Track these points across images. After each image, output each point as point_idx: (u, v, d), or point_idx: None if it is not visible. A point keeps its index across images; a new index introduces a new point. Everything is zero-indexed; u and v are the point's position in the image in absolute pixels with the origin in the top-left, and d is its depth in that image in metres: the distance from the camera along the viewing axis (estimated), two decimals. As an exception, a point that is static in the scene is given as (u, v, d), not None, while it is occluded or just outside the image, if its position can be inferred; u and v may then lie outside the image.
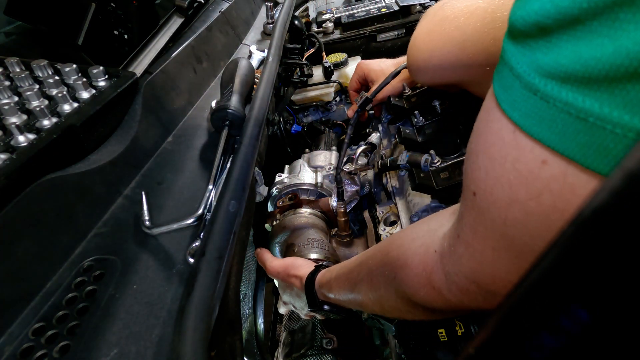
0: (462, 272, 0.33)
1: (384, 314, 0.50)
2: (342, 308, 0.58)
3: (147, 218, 0.46)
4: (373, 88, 0.79)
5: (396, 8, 1.05)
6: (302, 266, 0.63)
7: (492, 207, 0.28)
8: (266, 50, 0.76)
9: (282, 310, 0.75)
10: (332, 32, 1.10)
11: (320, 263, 0.64)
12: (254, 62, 0.85)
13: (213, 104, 0.63)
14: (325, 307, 0.58)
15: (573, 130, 0.21)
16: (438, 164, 0.61)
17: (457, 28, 0.54)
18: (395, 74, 0.75)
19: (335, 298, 0.55)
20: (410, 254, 0.40)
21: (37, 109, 0.46)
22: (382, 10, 1.06)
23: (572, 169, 0.22)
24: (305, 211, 0.79)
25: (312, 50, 1.03)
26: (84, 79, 0.52)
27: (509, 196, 0.26)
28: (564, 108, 0.21)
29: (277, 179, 0.83)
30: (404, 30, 1.06)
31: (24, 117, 0.46)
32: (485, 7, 0.51)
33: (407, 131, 0.69)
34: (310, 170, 0.84)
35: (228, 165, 0.52)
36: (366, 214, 0.80)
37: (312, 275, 0.60)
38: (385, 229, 0.69)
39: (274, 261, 0.69)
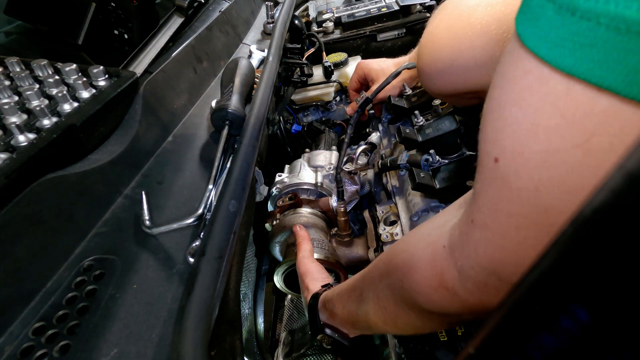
0: (479, 263, 0.29)
1: (399, 332, 0.44)
2: (345, 334, 0.52)
3: (147, 218, 0.46)
4: (373, 88, 0.79)
5: (396, 8, 1.05)
6: (316, 281, 0.59)
7: (521, 170, 0.24)
8: (266, 50, 0.76)
9: None
10: (332, 32, 1.10)
11: (328, 283, 0.59)
12: (254, 61, 0.85)
13: (213, 103, 0.63)
14: (327, 331, 0.52)
15: (622, 50, 0.17)
16: (438, 164, 0.61)
17: (488, 18, 0.46)
18: (396, 74, 0.74)
19: (341, 318, 0.50)
20: (417, 256, 0.36)
21: (37, 108, 0.46)
22: (382, 10, 1.06)
23: None
24: (305, 211, 0.79)
25: (312, 50, 1.03)
26: (84, 79, 0.51)
27: (546, 148, 0.22)
28: (612, 24, 0.17)
29: (277, 178, 0.83)
30: (404, 30, 1.06)
31: (24, 116, 0.46)
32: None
33: (407, 131, 0.68)
34: (310, 170, 0.84)
35: (228, 165, 0.52)
36: (366, 214, 0.80)
37: (317, 295, 0.55)
38: (385, 229, 0.69)
39: (303, 259, 0.64)
